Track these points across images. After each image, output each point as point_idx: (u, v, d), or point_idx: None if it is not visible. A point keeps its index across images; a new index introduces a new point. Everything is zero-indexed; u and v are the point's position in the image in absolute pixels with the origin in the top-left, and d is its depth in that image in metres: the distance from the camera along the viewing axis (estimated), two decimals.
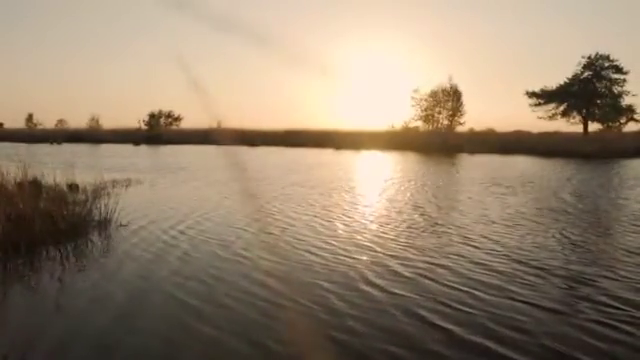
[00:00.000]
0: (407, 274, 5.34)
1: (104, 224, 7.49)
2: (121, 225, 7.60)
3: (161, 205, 10.00)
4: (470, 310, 4.29)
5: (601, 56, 53.25)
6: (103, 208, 7.72)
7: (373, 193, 12.72)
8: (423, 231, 7.65)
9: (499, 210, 9.75)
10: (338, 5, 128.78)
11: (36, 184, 11.28)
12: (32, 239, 6.15)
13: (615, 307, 4.40)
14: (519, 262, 5.83)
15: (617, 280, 5.20)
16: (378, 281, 5.08)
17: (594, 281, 5.16)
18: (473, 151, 34.49)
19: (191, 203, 10.36)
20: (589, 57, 53.40)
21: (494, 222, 8.42)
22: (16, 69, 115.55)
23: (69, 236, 6.68)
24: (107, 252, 6.21)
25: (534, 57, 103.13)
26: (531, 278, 5.22)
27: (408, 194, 12.37)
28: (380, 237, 7.19)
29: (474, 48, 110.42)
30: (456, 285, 4.96)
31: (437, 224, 8.27)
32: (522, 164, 25.16)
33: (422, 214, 9.27)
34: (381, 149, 38.03)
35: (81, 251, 6.24)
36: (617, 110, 53.08)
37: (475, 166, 23.00)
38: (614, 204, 11.04)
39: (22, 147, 39.68)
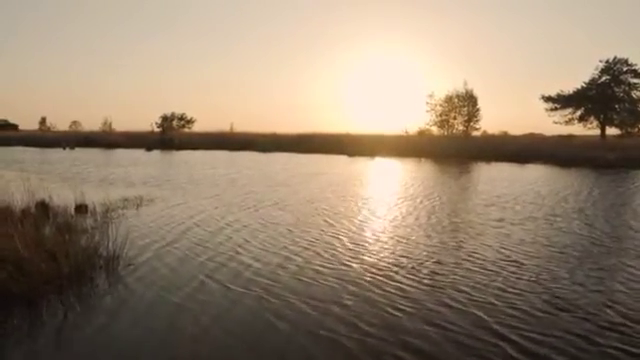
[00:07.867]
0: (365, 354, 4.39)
1: (111, 264, 6.84)
2: (129, 265, 6.99)
3: (167, 233, 9.40)
4: None
5: (619, 60, 52.03)
6: (111, 243, 7.13)
7: (359, 219, 11.30)
8: (397, 281, 6.44)
9: (496, 249, 8.39)
10: (350, 7, 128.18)
11: (43, 206, 10.86)
12: (31, 288, 5.59)
13: None
14: (506, 341, 4.69)
15: None
16: None
17: None
18: (489, 159, 33.86)
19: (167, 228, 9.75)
20: (607, 61, 52.23)
21: (486, 269, 7.11)
22: (31, 72, 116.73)
23: (72, 281, 6.08)
24: (114, 303, 5.60)
25: (547, 60, 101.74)
26: None
27: (394, 219, 11.26)
28: (347, 290, 6.08)
29: (486, 51, 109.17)
30: None
31: (417, 270, 6.98)
32: (536, 174, 24.32)
33: (403, 254, 7.89)
34: (395, 156, 37.34)
35: (85, 302, 5.63)
36: (636, 115, 51.83)
37: (487, 179, 21.81)
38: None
39: (34, 153, 39.60)
